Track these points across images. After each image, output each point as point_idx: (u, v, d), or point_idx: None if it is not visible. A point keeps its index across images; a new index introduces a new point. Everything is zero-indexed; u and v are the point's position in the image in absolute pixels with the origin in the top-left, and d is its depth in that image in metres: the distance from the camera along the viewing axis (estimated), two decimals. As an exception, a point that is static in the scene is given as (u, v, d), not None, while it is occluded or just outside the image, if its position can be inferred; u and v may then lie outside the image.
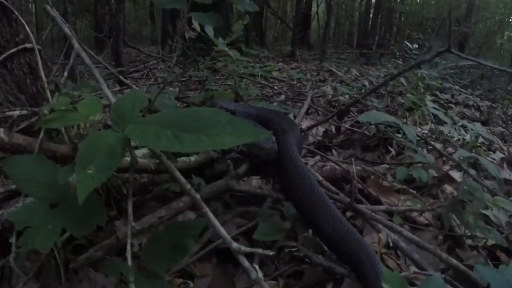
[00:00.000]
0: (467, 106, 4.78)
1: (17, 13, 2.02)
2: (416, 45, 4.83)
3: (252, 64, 3.37)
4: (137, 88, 3.65)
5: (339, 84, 3.77)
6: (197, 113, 0.65)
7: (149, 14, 11.41)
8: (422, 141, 2.39)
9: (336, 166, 1.80)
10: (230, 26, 6.10)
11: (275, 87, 3.43)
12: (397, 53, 8.59)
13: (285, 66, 5.71)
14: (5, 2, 1.96)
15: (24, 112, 1.83)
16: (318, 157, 1.77)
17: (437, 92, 4.61)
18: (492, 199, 1.31)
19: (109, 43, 7.96)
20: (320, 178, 1.47)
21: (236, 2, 1.34)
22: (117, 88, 4.02)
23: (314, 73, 5.40)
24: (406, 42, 4.87)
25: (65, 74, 2.06)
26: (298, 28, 9.48)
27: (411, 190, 1.87)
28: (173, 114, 0.67)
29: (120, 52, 3.92)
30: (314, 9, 13.34)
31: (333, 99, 3.56)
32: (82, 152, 0.62)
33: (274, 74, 5.13)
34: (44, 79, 2.06)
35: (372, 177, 1.95)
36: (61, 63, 5.66)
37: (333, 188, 1.41)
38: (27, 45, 2.09)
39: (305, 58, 7.74)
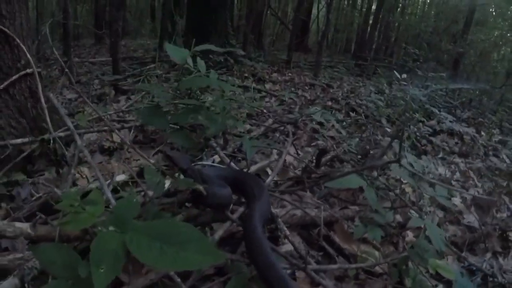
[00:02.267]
0: (451, 134, 4.94)
1: (18, 41, 2.14)
2: (404, 75, 4.97)
3: (241, 95, 3.49)
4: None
5: (330, 114, 3.92)
6: (177, 227, 0.82)
7: (149, 8, 11.43)
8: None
9: (305, 214, 1.94)
10: (227, 30, 6.23)
11: (264, 110, 3.56)
12: (393, 66, 8.81)
13: (279, 78, 5.83)
14: (7, 31, 2.08)
15: (26, 140, 1.97)
16: (289, 206, 1.92)
17: (423, 119, 4.78)
18: (434, 263, 1.49)
19: (107, 39, 8.03)
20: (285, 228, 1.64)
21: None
22: (113, 93, 4.14)
23: (307, 87, 5.53)
24: (395, 72, 5.00)
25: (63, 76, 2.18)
26: (296, 34, 9.59)
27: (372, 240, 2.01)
28: (159, 225, 0.82)
29: (118, 59, 4.02)
30: (314, 10, 13.42)
31: (321, 124, 3.71)
32: (93, 253, 0.78)
33: (267, 86, 5.27)
34: (44, 103, 2.20)
35: (338, 222, 2.10)
36: (57, 60, 5.73)
37: (293, 248, 1.58)
38: (28, 71, 2.21)
39: (300, 66, 7.86)
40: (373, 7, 11.50)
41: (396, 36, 10.58)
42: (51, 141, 2.02)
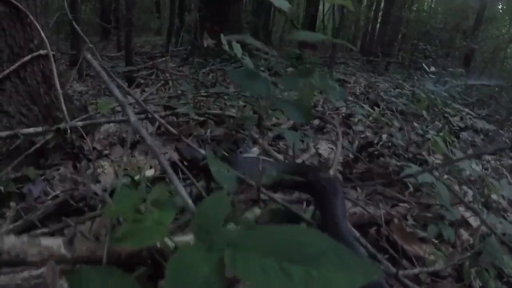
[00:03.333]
0: (475, 131, 4.67)
1: (32, 17, 1.85)
2: (433, 68, 4.69)
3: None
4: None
5: (355, 105, 3.64)
6: (295, 235, 0.52)
7: (154, 3, 11.14)
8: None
9: (364, 212, 1.71)
10: (241, 23, 5.95)
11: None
12: (406, 62, 8.52)
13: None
14: (19, 5, 1.79)
15: (40, 129, 1.68)
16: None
17: (448, 116, 4.50)
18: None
19: (115, 34, 7.75)
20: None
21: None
22: (126, 86, 3.85)
23: (325, 82, 5.24)
24: (424, 65, 4.71)
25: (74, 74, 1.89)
26: (305, 30, 9.31)
27: (433, 240, 1.80)
28: (267, 234, 0.53)
29: (131, 49, 3.74)
30: (320, 8, 13.13)
31: (349, 117, 3.44)
32: (172, 282, 0.49)
33: (285, 80, 4.99)
34: (59, 89, 1.91)
35: (396, 221, 1.87)
36: (68, 53, 5.45)
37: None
38: (42, 52, 1.93)
39: (311, 61, 7.58)
40: (381, 3, 11.24)
41: (404, 32, 10.28)
42: (68, 132, 1.73)
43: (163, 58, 4.76)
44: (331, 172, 1.66)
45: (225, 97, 3.06)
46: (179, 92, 3.15)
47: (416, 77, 7.32)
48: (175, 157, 1.83)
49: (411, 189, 2.37)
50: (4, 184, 1.46)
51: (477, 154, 1.78)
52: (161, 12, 11.26)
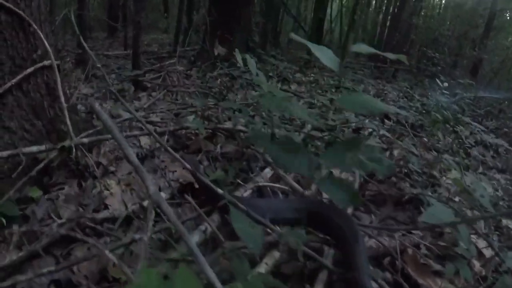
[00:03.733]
0: (485, 146, 4.57)
1: (35, 26, 1.75)
2: (446, 84, 4.57)
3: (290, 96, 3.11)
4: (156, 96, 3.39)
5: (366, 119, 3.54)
6: None
7: (162, 2, 11.01)
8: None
9: (379, 244, 1.62)
10: (251, 26, 5.83)
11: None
12: (414, 70, 8.39)
13: (303, 78, 5.44)
14: (22, 14, 1.69)
15: (43, 148, 1.58)
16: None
17: (459, 131, 4.39)
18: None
19: (123, 30, 7.64)
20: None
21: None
22: (132, 90, 3.76)
23: (333, 90, 5.15)
24: (437, 80, 4.60)
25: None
26: (313, 34, 9.17)
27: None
28: None
29: (139, 53, 3.64)
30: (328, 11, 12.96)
31: (358, 131, 3.34)
32: None
33: (292, 87, 4.89)
34: (63, 102, 1.82)
35: (410, 251, 1.78)
36: (73, 52, 5.36)
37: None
38: (46, 63, 1.83)
39: (319, 66, 7.46)
40: (390, 7, 11.09)
41: (412, 38, 10.14)
42: (73, 149, 1.64)
43: (171, 60, 4.65)
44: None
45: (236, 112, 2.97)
46: (188, 102, 3.06)
47: (424, 86, 7.21)
48: (186, 177, 1.74)
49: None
50: (7, 208, 1.37)
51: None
52: (169, 10, 11.13)
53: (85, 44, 2.48)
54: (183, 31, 7.89)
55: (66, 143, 1.62)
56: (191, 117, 2.89)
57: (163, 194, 1.58)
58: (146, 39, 8.52)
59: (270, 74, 5.02)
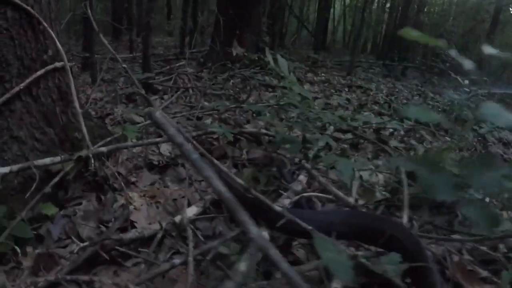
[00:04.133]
0: (504, 144, 4.37)
1: (45, 24, 1.56)
2: (467, 81, 4.36)
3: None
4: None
5: (386, 118, 3.35)
6: None
7: (166, 4, 10.84)
8: None
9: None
10: (260, 27, 5.62)
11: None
12: (424, 67, 8.18)
13: (315, 78, 5.24)
14: (31, 10, 1.50)
15: (58, 159, 1.39)
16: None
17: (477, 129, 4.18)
18: None
19: (128, 34, 7.47)
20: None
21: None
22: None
23: (346, 89, 4.95)
24: (458, 77, 4.40)
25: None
26: (319, 34, 9.01)
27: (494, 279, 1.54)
28: None
29: (149, 55, 3.45)
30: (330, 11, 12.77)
31: (379, 131, 3.15)
32: None
33: (305, 87, 4.69)
34: (78, 107, 1.63)
35: (456, 258, 1.60)
36: (79, 56, 5.17)
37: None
38: (57, 64, 1.64)
39: (326, 65, 7.27)
40: (395, 4, 10.88)
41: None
42: (91, 159, 1.44)
43: (180, 63, 4.47)
44: (404, 217, 1.37)
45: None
46: (205, 105, 2.87)
47: (434, 83, 7.02)
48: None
49: (460, 217, 2.11)
50: (20, 229, 1.18)
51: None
52: (173, 13, 10.97)
53: (105, 41, 2.29)
54: (188, 33, 7.72)
55: (83, 152, 1.43)
56: (208, 121, 2.70)
57: (194, 208, 1.38)
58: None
59: (282, 74, 4.82)
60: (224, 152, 2.00)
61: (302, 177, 1.75)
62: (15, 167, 1.25)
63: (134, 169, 1.79)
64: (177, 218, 1.26)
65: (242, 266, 0.94)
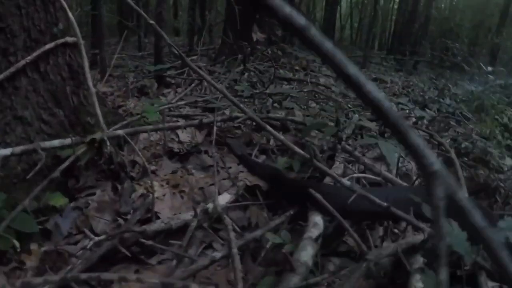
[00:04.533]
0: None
1: (56, -7, 1.38)
2: (490, 68, 4.14)
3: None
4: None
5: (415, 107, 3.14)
6: None
7: (173, 3, 10.66)
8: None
9: None
10: (273, 21, 5.41)
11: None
12: (436, 61, 7.92)
13: (329, 72, 5.02)
14: (41, -23, 1.31)
15: (68, 141, 1.19)
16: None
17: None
18: None
19: (137, 33, 7.31)
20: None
21: None
22: (155, 86, 3.37)
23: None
24: (481, 64, 4.18)
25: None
26: (327, 31, 8.77)
27: None
28: None
29: (161, 47, 3.26)
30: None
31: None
32: None
33: (321, 80, 4.47)
34: (91, 87, 1.43)
35: None
36: (89, 53, 5.00)
37: None
38: (69, 39, 1.45)
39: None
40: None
41: (425, 30, 9.65)
42: (108, 144, 1.24)
43: (192, 57, 4.27)
44: None
45: (273, 97, 2.56)
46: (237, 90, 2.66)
47: (446, 77, 6.77)
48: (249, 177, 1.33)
49: (500, 203, 1.91)
50: (23, 222, 0.97)
51: None
52: (180, 12, 10.80)
53: (158, 29, 2.07)
54: (196, 31, 7.53)
55: (97, 135, 1.23)
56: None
57: (226, 196, 1.17)
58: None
59: (296, 68, 4.61)
60: (250, 140, 1.79)
61: (338, 163, 1.54)
62: (17, 149, 1.05)
63: (153, 157, 1.59)
64: (210, 206, 1.05)
65: (304, 255, 0.73)
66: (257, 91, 2.53)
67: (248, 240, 0.86)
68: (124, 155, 1.51)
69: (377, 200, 0.81)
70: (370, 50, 7.98)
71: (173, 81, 3.42)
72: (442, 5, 13.48)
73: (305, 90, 2.64)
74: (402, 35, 8.69)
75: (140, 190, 1.26)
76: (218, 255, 0.81)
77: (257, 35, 3.73)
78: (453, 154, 1.98)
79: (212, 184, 1.27)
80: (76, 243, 1.08)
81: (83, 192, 1.28)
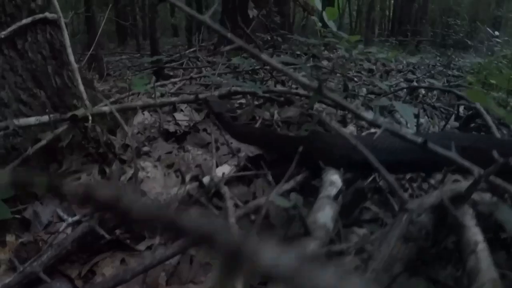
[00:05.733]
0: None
1: (34, -38, 1.24)
2: (497, 32, 3.94)
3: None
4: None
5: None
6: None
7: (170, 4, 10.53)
8: None
9: None
10: (271, 8, 5.23)
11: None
12: (438, 40, 7.70)
13: (331, 55, 4.83)
14: None
15: (45, 119, 1.04)
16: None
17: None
18: None
19: (134, 36, 7.19)
20: None
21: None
22: (154, 79, 3.22)
23: (365, 62, 4.54)
24: (488, 28, 3.98)
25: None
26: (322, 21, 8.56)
27: None
28: None
29: (156, 38, 3.11)
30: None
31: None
32: None
33: (324, 63, 4.30)
34: (75, 65, 1.28)
35: None
36: (83, 54, 4.88)
37: None
38: (48, 15, 1.31)
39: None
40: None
41: (424, 9, 9.39)
42: (90, 120, 1.09)
43: (192, 49, 4.12)
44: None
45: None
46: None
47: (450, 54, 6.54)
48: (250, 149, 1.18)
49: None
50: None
51: None
52: (176, 12, 10.66)
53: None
54: (195, 29, 7.38)
55: (80, 112, 1.07)
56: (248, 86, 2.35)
57: (226, 167, 1.01)
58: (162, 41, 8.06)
59: (298, 52, 4.43)
60: (252, 115, 1.63)
61: (352, 128, 1.38)
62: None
63: (147, 140, 1.44)
64: (205, 179, 0.90)
65: (322, 217, 0.57)
66: (258, 66, 2.36)
67: (250, 209, 0.70)
68: (116, 139, 1.37)
69: (409, 135, 0.63)
70: (371, 34, 7.76)
71: (171, 73, 3.28)
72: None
73: (309, 65, 2.47)
74: (402, 17, 8.45)
75: (130, 172, 1.11)
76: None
77: (253, 12, 3.56)
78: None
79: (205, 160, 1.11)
80: (56, 233, 0.93)
81: (67, 177, 1.13)
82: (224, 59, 4.03)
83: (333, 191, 0.72)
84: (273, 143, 1.12)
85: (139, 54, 5.94)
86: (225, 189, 0.77)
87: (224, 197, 0.73)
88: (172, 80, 2.97)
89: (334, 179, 0.78)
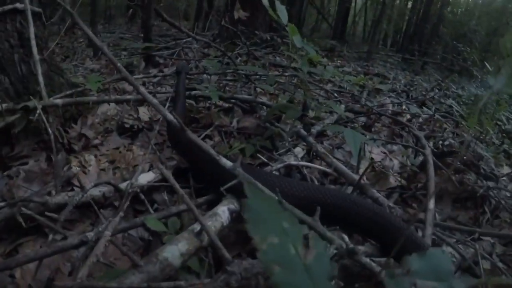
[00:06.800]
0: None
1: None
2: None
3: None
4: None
5: (408, 102, 3.02)
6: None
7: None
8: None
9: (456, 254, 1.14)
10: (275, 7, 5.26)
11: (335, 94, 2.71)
12: (444, 64, 7.71)
13: (329, 63, 4.91)
14: None
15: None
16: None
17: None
18: None
19: (139, 13, 7.25)
20: None
21: None
22: (143, 65, 3.31)
23: (362, 76, 4.61)
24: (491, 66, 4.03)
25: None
26: (338, 23, 8.60)
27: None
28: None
29: (150, 25, 3.19)
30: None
31: (396, 114, 2.82)
32: None
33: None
34: (37, 57, 1.37)
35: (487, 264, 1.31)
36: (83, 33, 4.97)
37: None
38: (18, 6, 1.39)
39: (344, 55, 6.89)
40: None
41: (441, 31, 9.40)
42: (38, 111, 1.19)
43: (189, 38, 4.20)
44: (431, 203, 1.07)
45: (256, 82, 2.48)
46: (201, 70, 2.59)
47: (454, 80, 6.58)
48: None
49: (488, 215, 1.77)
50: None
51: None
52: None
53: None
54: (203, 16, 7.44)
55: (31, 103, 1.17)
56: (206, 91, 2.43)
57: (150, 175, 1.11)
58: (165, 25, 8.11)
59: (295, 57, 4.50)
60: (211, 121, 1.73)
61: (299, 149, 1.47)
62: None
63: (104, 132, 1.53)
64: (123, 185, 1.00)
65: (168, 251, 0.66)
66: (230, 70, 2.43)
67: (135, 224, 0.79)
68: (74, 127, 1.47)
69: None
70: (377, 45, 7.79)
71: (161, 61, 3.36)
72: (458, 10, 13.13)
73: (286, 74, 2.56)
74: (413, 35, 8.47)
75: (74, 163, 1.21)
76: (91, 236, 0.74)
77: (240, 13, 3.61)
78: (427, 151, 1.85)
79: (149, 162, 1.21)
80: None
81: (17, 161, 1.23)
82: (218, 52, 4.11)
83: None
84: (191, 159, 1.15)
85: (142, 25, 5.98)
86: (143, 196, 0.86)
87: (122, 203, 0.82)
88: (154, 72, 3.06)
89: (219, 211, 0.86)
